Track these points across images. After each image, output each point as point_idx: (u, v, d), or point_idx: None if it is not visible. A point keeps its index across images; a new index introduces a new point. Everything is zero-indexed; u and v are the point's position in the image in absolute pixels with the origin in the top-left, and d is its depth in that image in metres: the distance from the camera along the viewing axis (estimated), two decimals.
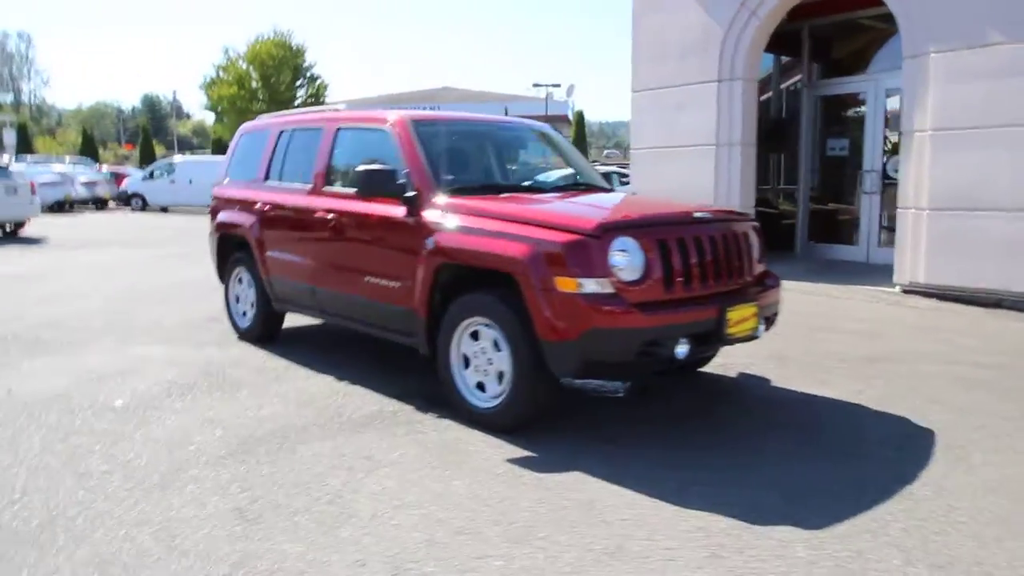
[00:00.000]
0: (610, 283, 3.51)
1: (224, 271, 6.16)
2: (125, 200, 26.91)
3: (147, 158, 39.44)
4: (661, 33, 10.13)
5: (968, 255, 7.31)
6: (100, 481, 3.27)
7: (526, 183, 4.99)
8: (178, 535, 2.77)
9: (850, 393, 4.57)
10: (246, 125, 6.34)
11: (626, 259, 3.56)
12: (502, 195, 4.38)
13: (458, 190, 4.29)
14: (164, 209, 25.70)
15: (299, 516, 2.94)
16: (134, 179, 27.98)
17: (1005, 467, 3.44)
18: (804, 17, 9.60)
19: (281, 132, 5.64)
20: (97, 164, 34.90)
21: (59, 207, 22.96)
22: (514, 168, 5.39)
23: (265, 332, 5.78)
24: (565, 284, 3.50)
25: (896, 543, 2.70)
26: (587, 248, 3.52)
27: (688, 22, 9.79)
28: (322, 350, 5.64)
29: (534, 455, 3.59)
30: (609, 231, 3.58)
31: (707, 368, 5.02)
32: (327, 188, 5.00)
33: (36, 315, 6.86)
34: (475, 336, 3.96)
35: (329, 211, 4.85)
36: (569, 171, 5.39)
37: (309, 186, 5.14)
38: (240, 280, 5.97)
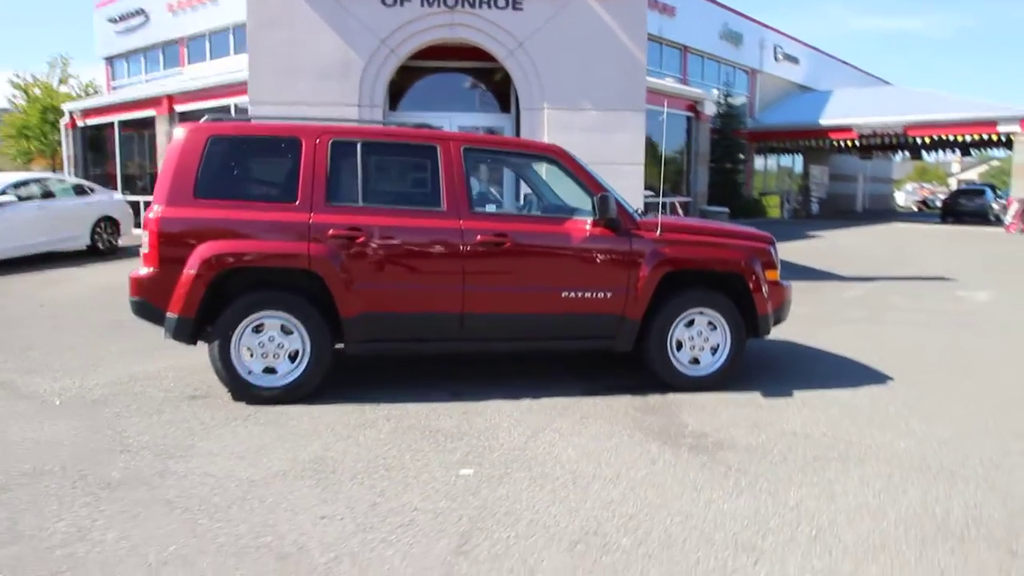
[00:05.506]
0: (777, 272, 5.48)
1: (203, 321, 4.59)
2: None
3: None
4: (290, 51, 10.24)
5: None
6: None
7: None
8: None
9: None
10: (210, 128, 4.69)
11: None
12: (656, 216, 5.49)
13: (632, 212, 5.22)
14: None
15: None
16: None
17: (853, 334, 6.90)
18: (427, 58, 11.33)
19: (335, 143, 4.75)
20: None
21: None
22: None
23: (317, 383, 4.78)
24: (772, 275, 5.29)
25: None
26: (775, 250, 5.39)
27: (324, 46, 10.29)
28: (379, 382, 5.20)
29: (775, 395, 5.20)
30: None
31: None
32: (478, 211, 4.84)
33: None
34: (689, 324, 5.18)
35: (499, 235, 4.81)
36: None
37: (439, 209, 4.79)
38: (258, 329, 4.66)
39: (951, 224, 26.84)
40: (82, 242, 13.28)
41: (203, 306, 4.56)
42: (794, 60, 31.52)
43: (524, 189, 6.54)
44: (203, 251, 4.51)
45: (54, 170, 24.24)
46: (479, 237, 4.82)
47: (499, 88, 12.16)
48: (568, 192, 5.48)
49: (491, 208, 5.08)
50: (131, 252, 13.80)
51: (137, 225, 16.59)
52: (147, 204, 16.39)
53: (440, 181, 4.86)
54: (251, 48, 10.41)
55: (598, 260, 5.02)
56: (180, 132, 4.70)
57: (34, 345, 6.57)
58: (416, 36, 10.55)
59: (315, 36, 10.31)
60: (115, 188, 18.30)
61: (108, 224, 13.77)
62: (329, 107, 10.28)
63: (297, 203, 4.65)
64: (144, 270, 4.60)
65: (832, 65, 34.60)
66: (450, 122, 12.42)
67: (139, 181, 19.78)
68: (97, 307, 8.69)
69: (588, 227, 4.98)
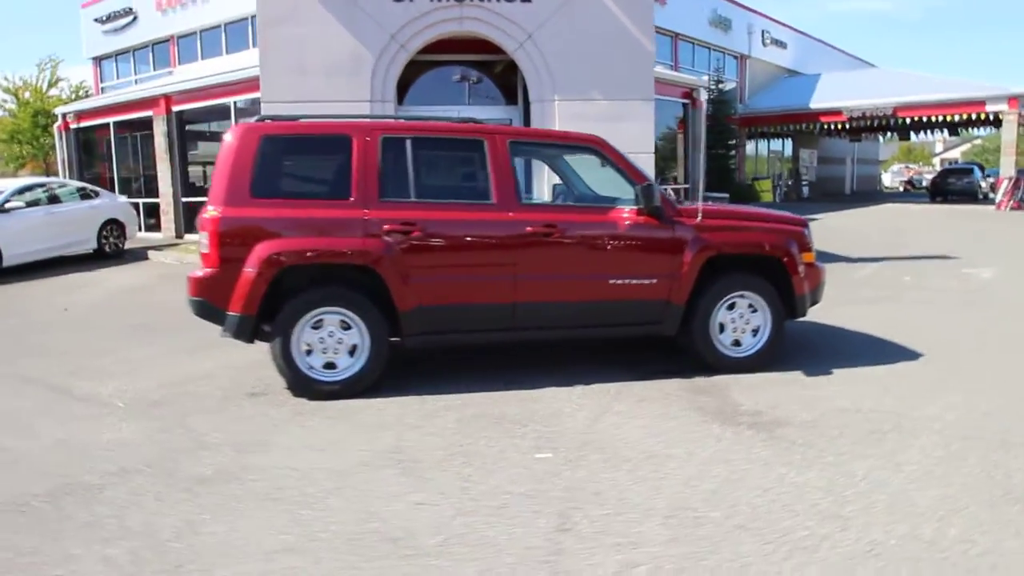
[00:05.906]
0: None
1: (260, 319, 4.68)
2: None
3: None
4: (300, 47, 10.27)
5: None
6: None
7: None
8: None
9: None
10: (263, 127, 4.76)
11: None
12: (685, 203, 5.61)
13: (672, 201, 5.34)
14: None
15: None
16: None
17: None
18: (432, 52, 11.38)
19: (385, 139, 4.83)
20: None
21: None
22: None
23: (376, 377, 4.88)
24: (808, 257, 5.44)
25: None
26: (809, 233, 5.53)
27: (334, 43, 10.33)
28: (430, 374, 5.29)
29: (816, 373, 5.34)
30: None
31: None
32: (527, 203, 4.95)
33: None
34: (731, 307, 5.31)
35: (548, 225, 4.92)
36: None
37: (489, 202, 4.89)
38: (317, 325, 4.74)
39: (940, 203, 27.21)
40: (89, 246, 13.25)
41: (263, 304, 4.65)
42: (782, 45, 31.70)
43: (554, 179, 6.66)
44: (262, 250, 4.59)
45: (47, 174, 24.01)
46: (528, 228, 4.92)
47: (502, 80, 12.25)
48: (604, 182, 5.60)
49: (539, 200, 5.19)
50: (138, 255, 13.79)
51: (139, 228, 16.55)
52: (146, 207, 16.32)
53: (489, 174, 4.95)
54: (262, 46, 10.43)
55: (644, 248, 5.13)
56: (232, 134, 4.76)
57: (70, 350, 6.61)
58: (426, 30, 10.61)
59: (325, 32, 10.34)
60: (111, 191, 18.19)
61: (114, 227, 13.73)
62: (341, 104, 10.34)
63: (352, 199, 4.74)
64: (203, 270, 4.67)
65: (819, 49, 34.82)
66: (459, 115, 12.48)
67: (134, 183, 19.66)
68: (119, 310, 8.73)
69: (633, 216, 5.10)
